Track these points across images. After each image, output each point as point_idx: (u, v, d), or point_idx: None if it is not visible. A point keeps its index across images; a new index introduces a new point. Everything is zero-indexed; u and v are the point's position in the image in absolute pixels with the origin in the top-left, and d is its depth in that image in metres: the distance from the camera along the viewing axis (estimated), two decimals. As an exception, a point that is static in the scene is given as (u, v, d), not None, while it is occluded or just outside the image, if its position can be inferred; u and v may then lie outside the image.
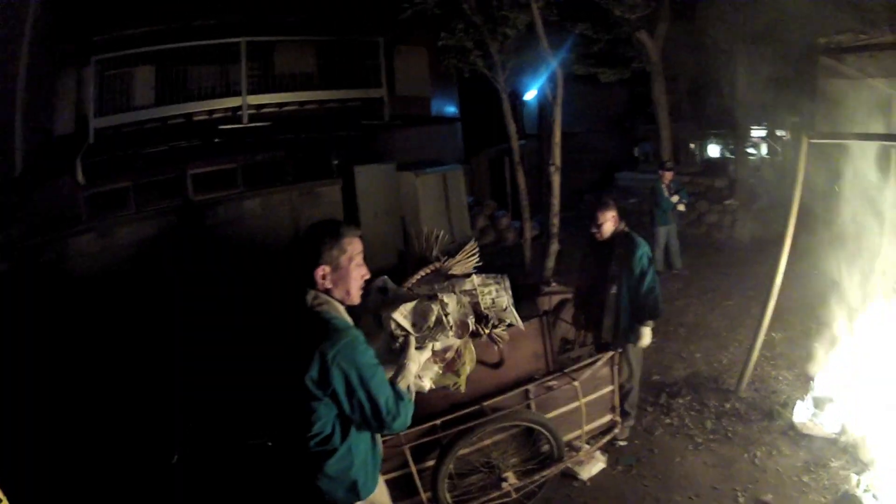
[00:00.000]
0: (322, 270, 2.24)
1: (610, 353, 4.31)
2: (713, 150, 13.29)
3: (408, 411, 2.27)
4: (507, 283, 2.83)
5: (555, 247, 7.67)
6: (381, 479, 2.47)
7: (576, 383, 4.01)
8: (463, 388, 2.67)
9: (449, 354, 2.51)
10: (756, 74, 9.71)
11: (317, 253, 2.23)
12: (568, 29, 9.18)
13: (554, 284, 5.53)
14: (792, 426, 4.96)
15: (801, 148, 4.80)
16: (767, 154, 12.66)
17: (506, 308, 2.80)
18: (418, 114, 9.53)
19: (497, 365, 3.79)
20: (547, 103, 7.63)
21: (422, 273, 2.78)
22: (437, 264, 2.81)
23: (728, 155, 12.84)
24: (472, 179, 9.88)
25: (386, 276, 2.73)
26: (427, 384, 2.48)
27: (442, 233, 2.99)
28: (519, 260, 8.70)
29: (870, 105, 6.45)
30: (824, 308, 5.90)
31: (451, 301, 2.54)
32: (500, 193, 11.10)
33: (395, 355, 2.42)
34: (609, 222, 4.11)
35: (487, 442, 3.53)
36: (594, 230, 4.15)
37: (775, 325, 6.49)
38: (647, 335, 4.35)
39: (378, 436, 2.42)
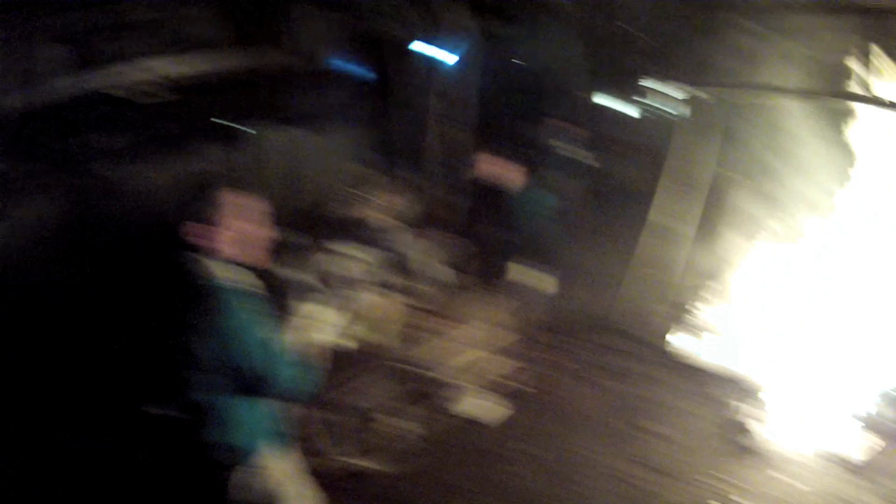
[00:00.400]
0: (192, 227, 2.15)
1: (502, 296, 4.40)
2: (620, 106, 13.52)
3: (300, 375, 2.18)
4: (441, 241, 2.72)
5: (456, 199, 7.61)
6: (280, 443, 2.35)
7: (465, 325, 4.06)
8: (396, 345, 2.56)
9: (373, 312, 2.40)
10: (667, 32, 9.86)
11: (188, 210, 2.16)
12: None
13: (452, 235, 5.53)
14: (675, 358, 5.30)
15: (708, 104, 5.03)
16: (673, 110, 12.99)
17: (435, 265, 2.68)
18: (326, 75, 9.09)
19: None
20: (457, 62, 7.61)
21: (343, 228, 2.74)
22: (366, 213, 2.67)
23: (635, 111, 13.24)
24: (377, 138, 9.42)
25: (302, 234, 2.65)
26: (349, 342, 2.43)
27: (371, 174, 2.74)
28: (421, 214, 8.55)
29: (782, 62, 6.69)
30: (705, 243, 6.23)
31: (366, 257, 2.55)
32: (405, 151, 10.90)
33: (303, 313, 2.35)
34: (506, 172, 4.22)
35: (374, 387, 3.54)
36: (494, 181, 4.22)
37: (657, 262, 6.60)
38: (544, 279, 4.49)
39: (275, 400, 2.28)
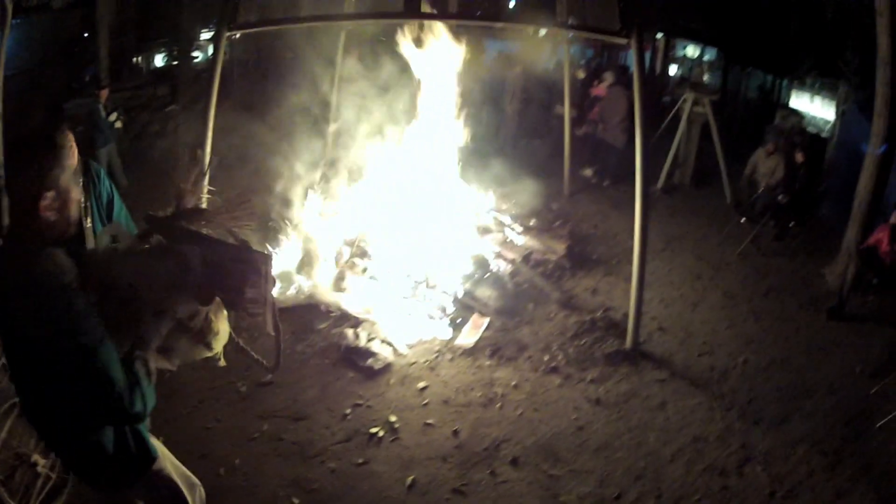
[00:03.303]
0: (47, 198, 1.62)
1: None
2: (159, 60, 12.98)
3: (147, 397, 1.77)
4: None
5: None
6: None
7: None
8: (223, 362, 2.30)
9: (196, 322, 2.06)
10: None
11: (40, 176, 1.60)
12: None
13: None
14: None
15: (220, 40, 4.78)
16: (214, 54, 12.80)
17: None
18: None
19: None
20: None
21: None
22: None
23: (173, 62, 12.70)
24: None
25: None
26: (174, 362, 2.10)
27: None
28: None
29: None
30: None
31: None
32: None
33: (129, 324, 1.84)
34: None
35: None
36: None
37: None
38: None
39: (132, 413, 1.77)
